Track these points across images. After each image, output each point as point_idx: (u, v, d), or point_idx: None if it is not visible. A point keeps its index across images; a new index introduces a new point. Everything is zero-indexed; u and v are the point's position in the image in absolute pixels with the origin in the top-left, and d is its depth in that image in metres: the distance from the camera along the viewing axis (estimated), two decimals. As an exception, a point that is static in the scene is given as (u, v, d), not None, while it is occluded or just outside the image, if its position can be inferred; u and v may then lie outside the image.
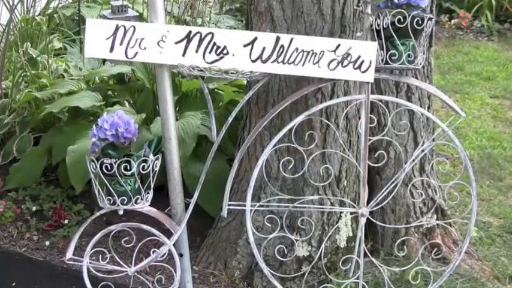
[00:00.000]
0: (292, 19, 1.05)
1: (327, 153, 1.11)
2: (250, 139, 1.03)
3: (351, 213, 1.13)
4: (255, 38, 0.95)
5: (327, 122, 1.09)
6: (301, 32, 1.05)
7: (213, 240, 1.21)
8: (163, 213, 1.03)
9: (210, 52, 0.95)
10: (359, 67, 0.96)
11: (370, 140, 1.02)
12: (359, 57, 0.96)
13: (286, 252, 1.11)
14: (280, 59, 0.95)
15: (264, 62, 0.95)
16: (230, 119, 0.99)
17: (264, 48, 0.95)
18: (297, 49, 0.95)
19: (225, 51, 0.95)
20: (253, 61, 0.94)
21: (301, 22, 1.05)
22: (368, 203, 1.05)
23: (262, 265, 1.03)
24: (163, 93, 1.00)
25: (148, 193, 0.98)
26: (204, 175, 1.01)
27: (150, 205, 1.00)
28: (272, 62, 0.95)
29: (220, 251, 1.19)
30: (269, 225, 1.10)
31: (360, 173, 1.04)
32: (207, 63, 0.95)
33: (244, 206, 1.01)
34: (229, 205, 1.02)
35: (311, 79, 1.02)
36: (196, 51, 0.95)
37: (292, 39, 0.95)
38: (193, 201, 1.01)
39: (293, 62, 0.95)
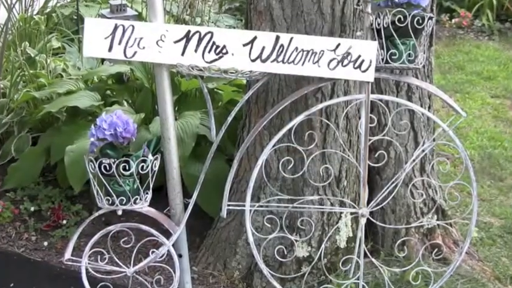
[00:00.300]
0: (292, 18, 1.05)
1: (327, 153, 1.12)
2: (249, 139, 1.03)
3: (351, 213, 1.13)
4: (255, 38, 0.95)
5: (327, 121, 1.10)
6: (301, 31, 1.05)
7: (212, 240, 1.21)
8: (162, 214, 1.03)
9: (209, 51, 0.95)
10: (359, 66, 0.96)
11: (370, 139, 1.03)
12: (359, 56, 0.96)
13: (285, 253, 1.11)
14: (280, 59, 0.95)
15: (263, 61, 0.95)
16: (229, 119, 0.99)
17: (263, 48, 0.95)
18: (296, 48, 0.95)
19: (224, 51, 0.95)
20: (253, 60, 0.94)
21: (301, 21, 1.05)
22: (368, 203, 1.05)
23: (262, 266, 1.03)
24: (162, 93, 1.00)
25: (147, 193, 0.98)
26: (203, 175, 1.01)
27: (149, 205, 1.00)
28: (272, 61, 0.95)
29: (220, 252, 1.19)
30: (269, 225, 1.11)
31: (360, 173, 1.04)
32: (206, 62, 0.95)
33: (244, 206, 1.01)
34: (228, 205, 1.02)
35: (311, 78, 1.02)
36: (196, 50, 0.95)
37: (291, 38, 0.95)
38: (192, 201, 1.01)
39: (293, 61, 0.95)
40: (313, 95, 1.08)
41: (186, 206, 1.03)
